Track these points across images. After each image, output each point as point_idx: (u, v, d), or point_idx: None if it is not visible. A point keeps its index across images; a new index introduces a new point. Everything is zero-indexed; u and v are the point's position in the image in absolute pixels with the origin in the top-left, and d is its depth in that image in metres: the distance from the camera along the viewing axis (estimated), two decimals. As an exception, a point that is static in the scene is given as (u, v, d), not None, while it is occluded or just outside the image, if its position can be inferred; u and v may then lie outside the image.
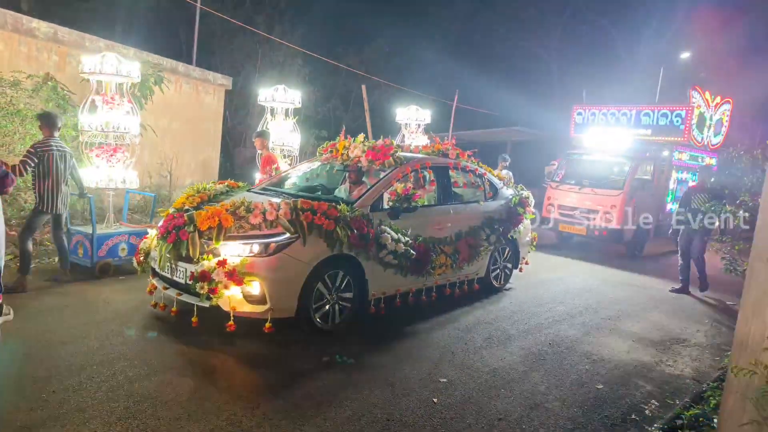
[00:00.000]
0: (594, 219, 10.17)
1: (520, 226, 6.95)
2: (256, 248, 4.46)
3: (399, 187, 5.64)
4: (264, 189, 5.97)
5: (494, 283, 6.87)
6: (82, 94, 8.06)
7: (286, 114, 9.17)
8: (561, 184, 11.00)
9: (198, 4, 14.61)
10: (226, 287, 4.26)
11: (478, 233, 6.31)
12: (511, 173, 9.74)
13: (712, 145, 12.40)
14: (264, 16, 18.57)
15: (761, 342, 2.76)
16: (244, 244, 4.48)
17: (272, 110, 9.16)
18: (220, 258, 4.34)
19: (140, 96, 8.14)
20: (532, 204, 7.38)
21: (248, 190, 5.76)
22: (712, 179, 8.54)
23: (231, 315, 4.34)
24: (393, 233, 5.19)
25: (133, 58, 8.96)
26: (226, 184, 5.74)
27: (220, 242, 4.44)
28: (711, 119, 11.99)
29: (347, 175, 6.15)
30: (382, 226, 5.16)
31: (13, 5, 10.07)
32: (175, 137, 10.63)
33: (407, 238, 5.32)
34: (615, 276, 8.77)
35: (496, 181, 7.17)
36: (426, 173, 6.80)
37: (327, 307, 4.84)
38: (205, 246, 4.48)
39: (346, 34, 21.75)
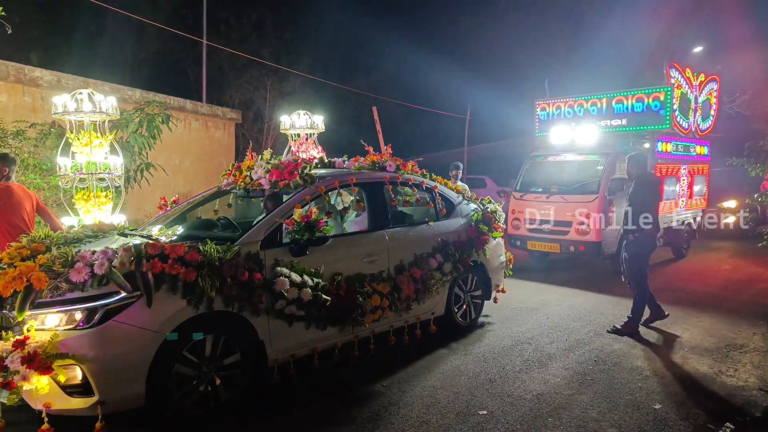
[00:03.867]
0: (568, 232, 8.45)
1: (485, 247, 5.75)
2: (75, 317, 3.24)
3: (297, 213, 4.13)
4: (143, 229, 4.77)
5: (459, 320, 5.62)
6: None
7: (315, 141, 8.89)
8: (526, 194, 9.16)
9: (204, 41, 14.73)
10: (25, 378, 3.05)
11: (426, 262, 5.11)
12: (467, 186, 8.17)
13: (701, 131, 10.51)
14: (270, 48, 18.72)
15: None
16: (57, 312, 3.26)
17: (293, 137, 8.95)
18: (20, 336, 3.15)
19: (148, 136, 8.02)
20: (502, 219, 6.17)
21: (122, 233, 4.55)
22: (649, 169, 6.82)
23: (44, 414, 3.16)
24: (294, 275, 3.99)
25: (139, 99, 8.94)
26: (93, 224, 4.70)
27: (25, 313, 3.22)
28: (696, 101, 10.07)
29: (263, 203, 4.93)
30: (279, 268, 3.95)
31: (21, 58, 10.17)
32: (187, 174, 10.53)
33: (318, 280, 4.14)
34: (589, 301, 6.92)
35: (451, 195, 5.89)
36: (348, 193, 5.56)
37: (200, 386, 3.59)
38: (11, 319, 3.32)
39: (351, 58, 21.81)
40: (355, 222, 5.52)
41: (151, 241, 3.66)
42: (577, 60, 20.44)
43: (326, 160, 5.66)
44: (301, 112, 8.83)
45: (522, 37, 22.69)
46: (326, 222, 4.29)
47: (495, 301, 6.14)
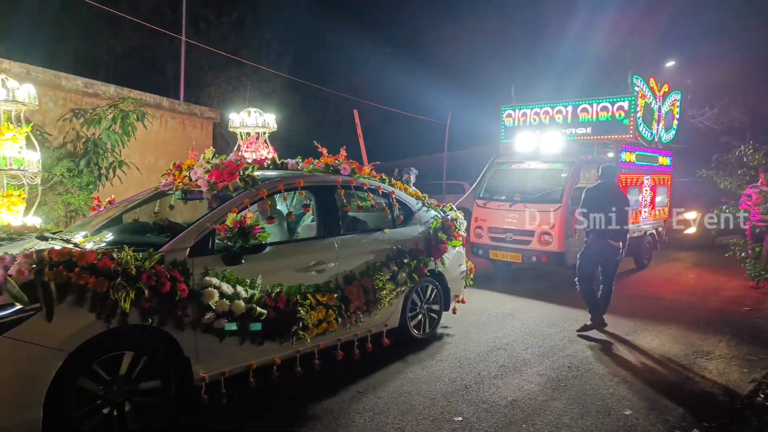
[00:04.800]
0: (530, 242, 8.28)
1: (444, 256, 5.54)
2: None
3: (230, 218, 3.82)
4: (68, 233, 4.35)
5: (414, 332, 5.37)
6: (60, 134, 7.84)
7: (266, 141, 8.57)
8: (489, 201, 8.96)
9: (183, 38, 14.53)
10: None
11: (380, 271, 4.82)
12: (418, 191, 8.22)
13: (664, 142, 10.49)
14: (250, 48, 18.58)
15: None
16: None
17: (243, 136, 8.67)
18: None
19: (122, 133, 7.88)
20: (463, 227, 6.01)
21: (41, 237, 4.14)
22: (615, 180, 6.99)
23: None
24: (226, 286, 3.68)
25: (114, 94, 8.77)
26: (4, 226, 4.27)
27: None
28: (660, 111, 10.06)
29: (209, 205, 4.49)
30: (208, 278, 3.63)
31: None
32: (162, 173, 10.35)
33: (254, 291, 3.83)
34: (555, 313, 6.72)
35: (410, 201, 5.66)
36: (296, 196, 5.24)
37: (104, 408, 3.18)
38: None
39: (333, 61, 21.77)
40: (307, 228, 5.22)
41: (57, 247, 3.27)
42: (546, 67, 20.70)
43: (278, 161, 5.44)
44: (252, 109, 8.49)
45: (496, 44, 23.04)
46: (263, 228, 3.99)
47: (454, 312, 5.94)
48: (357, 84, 21.57)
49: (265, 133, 9.00)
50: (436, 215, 5.81)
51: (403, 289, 5.07)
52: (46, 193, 7.09)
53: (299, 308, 4.08)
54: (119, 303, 3.14)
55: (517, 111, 10.17)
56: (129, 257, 3.28)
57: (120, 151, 7.92)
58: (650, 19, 19.78)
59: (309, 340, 4.20)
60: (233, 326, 3.67)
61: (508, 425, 3.73)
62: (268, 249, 4.02)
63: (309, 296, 4.21)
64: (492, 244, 8.70)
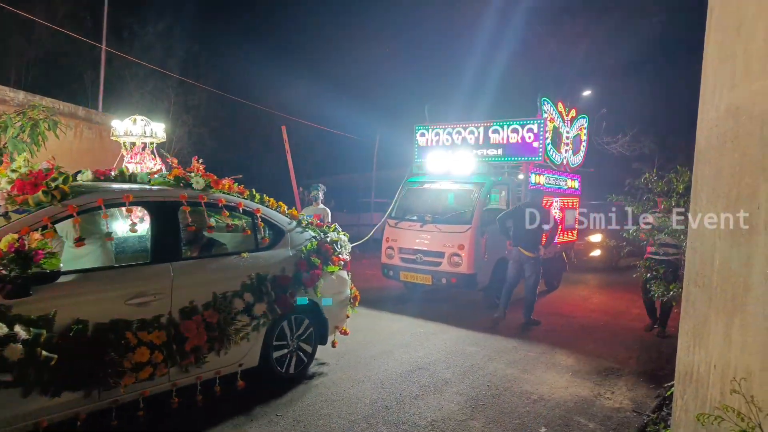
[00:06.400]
0: (441, 263, 8.09)
1: (317, 284, 4.92)
2: None
3: (4, 241, 3.09)
4: None
5: (280, 371, 4.72)
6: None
7: (153, 151, 7.90)
8: (400, 221, 8.77)
9: (104, 46, 13.89)
10: None
11: (230, 303, 4.18)
12: (328, 210, 8.14)
13: (572, 167, 10.57)
14: (176, 59, 18.03)
15: (708, 374, 2.61)
16: None
17: (127, 146, 8.12)
18: None
19: (30, 143, 7.37)
20: (346, 250, 5.40)
21: None
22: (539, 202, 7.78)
23: None
24: None
25: (23, 101, 8.23)
26: None
27: None
28: (568, 135, 10.16)
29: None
30: None
31: None
32: None
33: (41, 331, 3.12)
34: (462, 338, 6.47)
35: (280, 221, 4.95)
36: (120, 214, 4.57)
37: None
38: None
39: (263, 77, 21.51)
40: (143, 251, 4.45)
41: None
42: (463, 88, 21.24)
43: (128, 173, 4.55)
44: (138, 117, 7.80)
45: (416, 66, 23.80)
46: (51, 253, 3.22)
47: (333, 345, 5.34)
48: (286, 101, 21.44)
49: (152, 144, 8.48)
50: (314, 237, 5.14)
51: (263, 322, 4.43)
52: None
53: (110, 349, 3.43)
54: None
55: (430, 131, 10.21)
56: None
57: (28, 161, 7.39)
58: (567, 49, 21.04)
59: (125, 388, 3.53)
60: (6, 376, 3.00)
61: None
62: (73, 277, 3.42)
63: (128, 334, 3.56)
64: (403, 265, 8.48)
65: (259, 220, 4.72)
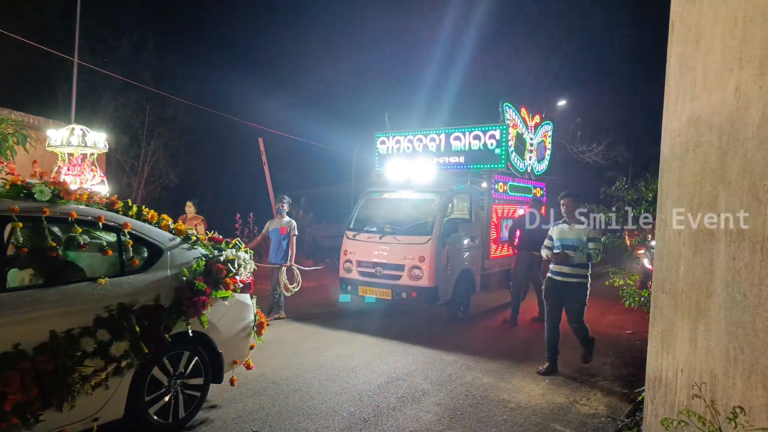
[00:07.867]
0: (401, 276, 7.74)
1: (204, 312, 4.02)
2: None
3: None
4: None
5: (157, 421, 3.85)
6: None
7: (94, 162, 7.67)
8: (359, 233, 8.34)
9: (75, 59, 13.72)
10: None
11: (75, 343, 3.29)
12: (294, 222, 7.99)
13: (536, 174, 10.36)
14: (151, 72, 17.86)
15: (675, 378, 2.66)
16: None
17: (65, 157, 7.72)
18: None
19: (-1, 157, 7.21)
20: (245, 271, 4.47)
21: None
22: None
23: None
24: None
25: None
26: None
27: None
28: (532, 142, 9.88)
29: None
30: None
31: None
32: None
33: None
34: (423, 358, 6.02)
35: (158, 236, 4.07)
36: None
37: None
38: None
39: (239, 89, 21.44)
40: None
41: None
42: (426, 95, 21.26)
43: None
44: (77, 126, 7.57)
45: (384, 74, 23.85)
46: None
47: (232, 383, 4.54)
48: (264, 114, 21.39)
49: (93, 155, 8.24)
50: (203, 255, 4.27)
51: (125, 363, 3.54)
52: None
53: None
54: None
55: (391, 138, 9.92)
56: None
57: (-6, 176, 7.22)
58: (540, 57, 21.35)
59: None
60: None
61: (404, 458, 3.68)
62: None
63: None
64: (361, 279, 8.05)
65: (128, 236, 3.84)
